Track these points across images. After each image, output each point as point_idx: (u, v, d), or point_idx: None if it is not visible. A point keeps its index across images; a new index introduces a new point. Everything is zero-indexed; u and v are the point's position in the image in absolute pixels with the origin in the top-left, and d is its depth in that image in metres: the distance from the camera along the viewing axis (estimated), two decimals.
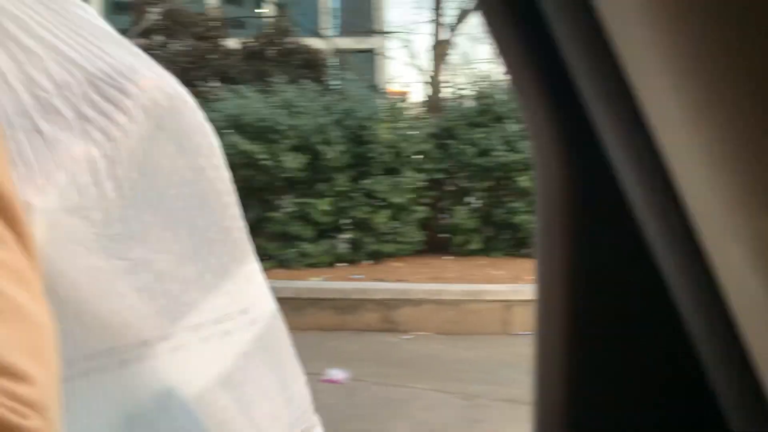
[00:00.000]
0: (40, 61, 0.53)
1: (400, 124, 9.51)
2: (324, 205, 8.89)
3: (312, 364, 5.49)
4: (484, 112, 9.40)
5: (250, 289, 0.69)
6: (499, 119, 9.23)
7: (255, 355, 0.69)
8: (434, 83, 12.35)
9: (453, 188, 9.47)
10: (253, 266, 0.72)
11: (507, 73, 0.45)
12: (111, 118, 0.54)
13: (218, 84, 13.62)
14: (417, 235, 8.91)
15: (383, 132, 9.04)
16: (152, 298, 0.57)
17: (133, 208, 0.56)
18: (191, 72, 14.02)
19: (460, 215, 8.89)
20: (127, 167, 0.56)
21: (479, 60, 31.18)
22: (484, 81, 10.61)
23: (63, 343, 0.44)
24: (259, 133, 8.87)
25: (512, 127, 8.94)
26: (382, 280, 7.27)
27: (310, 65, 14.56)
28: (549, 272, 0.44)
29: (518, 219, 8.50)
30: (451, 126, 9.33)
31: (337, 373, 4.74)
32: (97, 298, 0.53)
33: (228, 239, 0.66)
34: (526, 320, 6.30)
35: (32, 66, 0.53)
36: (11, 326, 0.40)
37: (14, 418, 0.37)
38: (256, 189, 9.10)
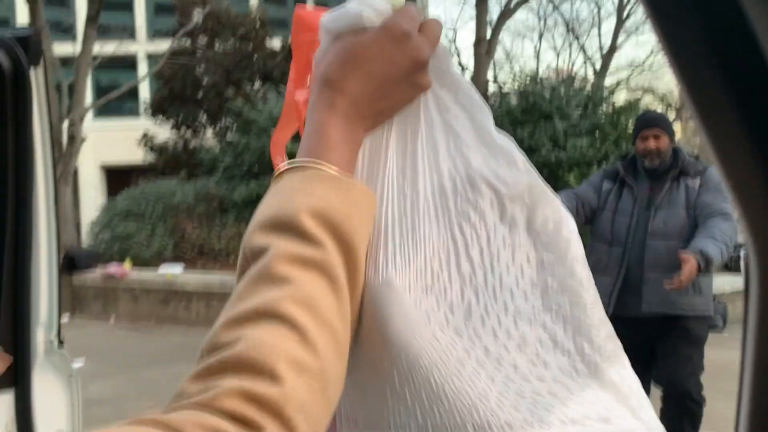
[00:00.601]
0: (437, 153, 0.62)
1: None
2: None
3: None
4: (529, 109, 9.25)
5: (615, 397, 0.62)
6: (545, 117, 9.07)
7: None
8: (477, 80, 12.20)
9: None
10: (624, 373, 0.64)
11: (680, 74, 0.38)
12: (470, 213, 0.61)
13: (262, 84, 13.76)
14: None
15: None
16: (506, 387, 0.59)
17: (483, 295, 0.61)
18: (235, 73, 14.20)
19: None
20: (481, 258, 0.61)
21: (523, 57, 30.77)
22: (528, 78, 10.44)
23: (399, 409, 0.55)
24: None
25: (559, 125, 8.76)
26: None
27: None
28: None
29: None
30: (494, 124, 9.20)
31: None
32: (443, 374, 0.56)
33: (590, 337, 0.63)
34: None
35: (433, 156, 0.63)
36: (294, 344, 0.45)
37: (250, 414, 0.41)
38: None
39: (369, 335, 0.58)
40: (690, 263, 2.63)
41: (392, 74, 0.55)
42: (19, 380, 1.34)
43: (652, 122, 3.16)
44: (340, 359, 0.48)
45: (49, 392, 1.45)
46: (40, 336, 1.46)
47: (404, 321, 0.56)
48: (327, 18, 0.60)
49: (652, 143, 3.06)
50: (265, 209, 0.51)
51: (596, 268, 2.85)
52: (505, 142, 0.66)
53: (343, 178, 0.52)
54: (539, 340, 0.61)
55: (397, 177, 0.61)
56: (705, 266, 2.66)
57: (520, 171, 0.64)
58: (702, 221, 2.88)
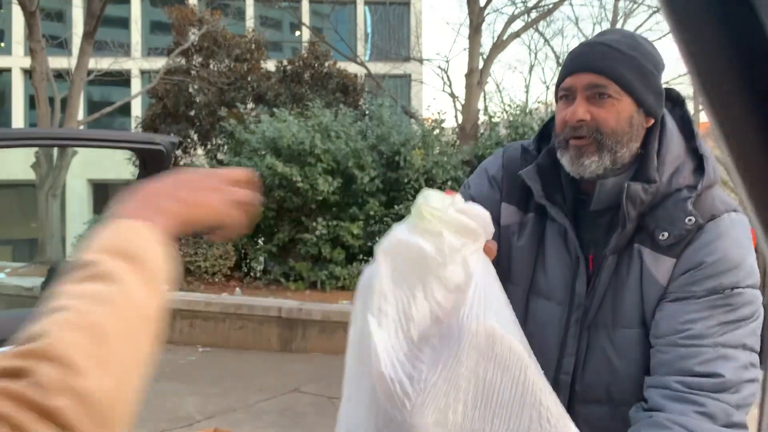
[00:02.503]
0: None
1: (434, 151, 9.54)
2: (355, 228, 8.93)
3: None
4: (518, 140, 9.38)
5: None
6: None
7: None
8: (468, 110, 12.38)
9: None
10: None
11: (699, 78, 0.37)
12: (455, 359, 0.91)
13: (255, 106, 13.85)
14: None
15: (416, 158, 9.07)
16: None
17: (481, 421, 0.90)
18: (228, 93, 14.30)
19: None
20: (472, 392, 0.90)
21: (513, 89, 31.21)
22: (518, 110, 10.61)
23: None
24: (295, 155, 8.98)
25: None
26: None
27: (346, 90, 14.72)
28: None
29: None
30: (484, 153, 9.32)
31: None
32: None
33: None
34: None
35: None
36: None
37: (38, 396, 0.45)
38: (290, 210, 9.19)
39: None
40: None
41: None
42: None
43: None
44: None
45: None
46: None
47: None
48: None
49: None
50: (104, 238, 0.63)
51: None
52: None
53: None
54: None
55: None
56: None
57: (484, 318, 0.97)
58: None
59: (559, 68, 1.29)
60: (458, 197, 0.96)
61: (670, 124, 1.15)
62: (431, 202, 0.94)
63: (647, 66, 1.11)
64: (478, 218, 0.96)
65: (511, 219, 1.23)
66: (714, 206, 1.09)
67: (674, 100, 1.20)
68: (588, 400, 1.16)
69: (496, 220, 1.16)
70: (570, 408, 1.06)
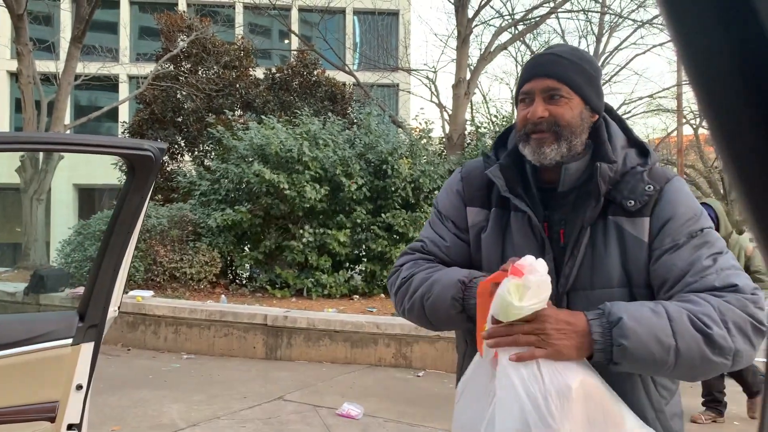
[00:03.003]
0: None
1: (421, 160, 9.60)
2: (342, 236, 8.95)
3: (327, 397, 5.43)
4: None
5: None
6: None
7: None
8: (455, 120, 12.47)
9: None
10: None
11: (698, 85, 0.37)
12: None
13: (243, 113, 13.86)
14: None
15: (403, 167, 9.12)
16: None
17: None
18: (217, 100, 14.30)
19: None
20: None
21: (500, 100, 31.42)
22: (504, 120, 10.71)
23: None
24: (282, 163, 9.00)
25: None
26: (396, 314, 7.25)
27: (334, 98, 14.77)
28: None
29: None
30: None
31: (353, 409, 4.71)
32: None
33: None
34: None
35: None
36: None
37: None
38: (277, 217, 9.19)
39: None
40: None
41: None
42: (98, 336, 2.33)
43: None
44: None
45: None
46: (111, 309, 2.36)
47: None
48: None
49: None
50: None
51: None
52: None
53: None
54: None
55: None
56: None
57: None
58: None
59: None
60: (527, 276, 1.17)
61: (611, 122, 1.42)
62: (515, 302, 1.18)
63: (590, 71, 1.36)
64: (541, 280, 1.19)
65: (477, 218, 1.44)
66: (665, 174, 1.37)
67: (608, 109, 1.45)
68: None
69: (464, 224, 1.45)
70: None
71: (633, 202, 1.31)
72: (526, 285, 1.16)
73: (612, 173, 1.32)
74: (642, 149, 1.41)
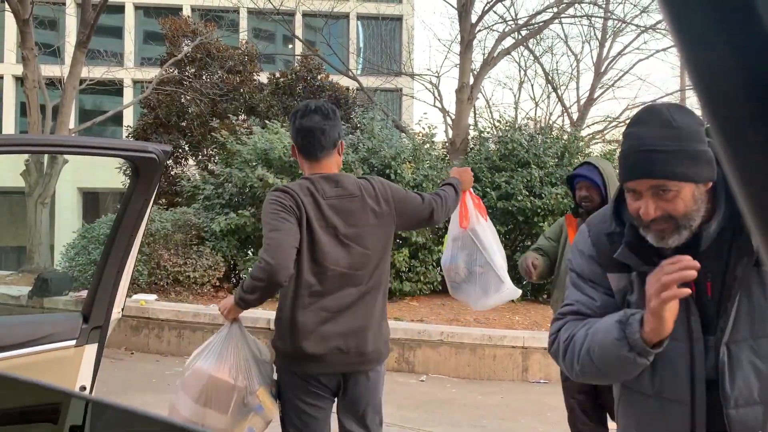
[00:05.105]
0: None
1: (424, 165, 9.61)
2: None
3: None
4: (507, 156, 9.48)
5: None
6: (522, 164, 9.30)
7: None
8: (459, 125, 12.49)
9: None
10: None
11: (702, 87, 0.37)
12: None
13: (247, 117, 13.90)
14: (436, 275, 8.89)
15: (407, 171, 9.13)
16: None
17: None
18: (221, 104, 14.34)
19: None
20: None
21: (503, 105, 31.46)
22: (507, 125, 10.72)
23: None
24: (286, 167, 9.02)
25: (535, 173, 8.98)
26: (399, 319, 7.25)
27: (338, 103, 14.80)
28: None
29: None
30: (473, 169, 9.40)
31: None
32: None
33: None
34: (543, 368, 6.23)
35: None
36: None
37: None
38: None
39: None
40: None
41: None
42: (102, 338, 2.43)
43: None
44: None
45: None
46: (115, 310, 2.45)
47: None
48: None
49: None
50: None
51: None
52: None
53: None
54: None
55: None
56: None
57: None
58: None
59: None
60: None
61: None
62: None
63: (693, 147, 1.29)
64: None
65: (620, 283, 1.46)
66: None
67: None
68: (740, 404, 1.36)
69: (608, 286, 1.47)
70: (725, 414, 1.34)
71: None
72: None
73: None
74: None
